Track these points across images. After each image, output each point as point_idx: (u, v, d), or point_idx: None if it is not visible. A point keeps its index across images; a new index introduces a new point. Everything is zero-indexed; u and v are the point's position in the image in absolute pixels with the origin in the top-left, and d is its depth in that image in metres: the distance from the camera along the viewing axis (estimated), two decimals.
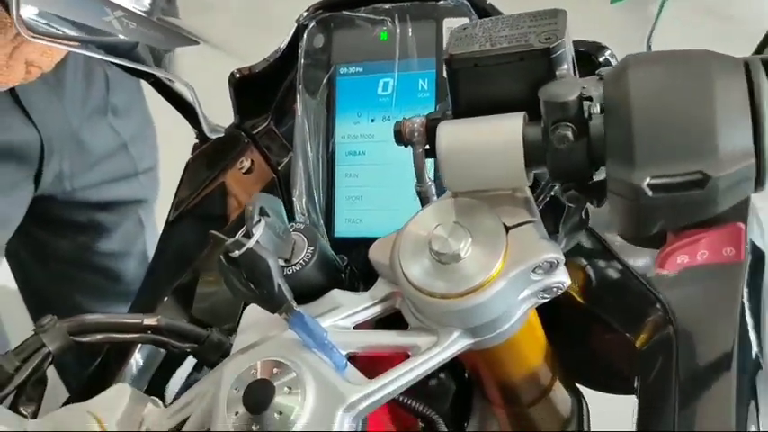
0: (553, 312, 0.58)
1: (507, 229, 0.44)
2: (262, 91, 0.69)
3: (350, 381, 0.43)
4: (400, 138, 0.48)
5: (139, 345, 0.61)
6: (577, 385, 0.64)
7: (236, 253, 0.43)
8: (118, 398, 0.48)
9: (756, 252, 0.57)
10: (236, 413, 0.42)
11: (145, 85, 0.99)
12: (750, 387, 0.51)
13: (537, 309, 0.53)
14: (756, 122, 0.37)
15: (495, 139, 0.42)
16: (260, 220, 0.44)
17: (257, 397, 0.42)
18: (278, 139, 0.68)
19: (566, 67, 0.43)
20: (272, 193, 0.67)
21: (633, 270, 0.54)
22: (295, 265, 0.47)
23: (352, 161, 0.61)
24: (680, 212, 0.38)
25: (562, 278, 0.45)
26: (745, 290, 0.54)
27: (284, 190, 0.65)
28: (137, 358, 0.62)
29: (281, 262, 0.47)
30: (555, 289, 0.45)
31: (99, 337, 0.53)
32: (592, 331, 0.60)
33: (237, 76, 0.70)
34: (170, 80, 0.69)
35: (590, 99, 0.41)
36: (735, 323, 0.51)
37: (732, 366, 0.49)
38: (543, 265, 0.44)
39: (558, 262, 0.44)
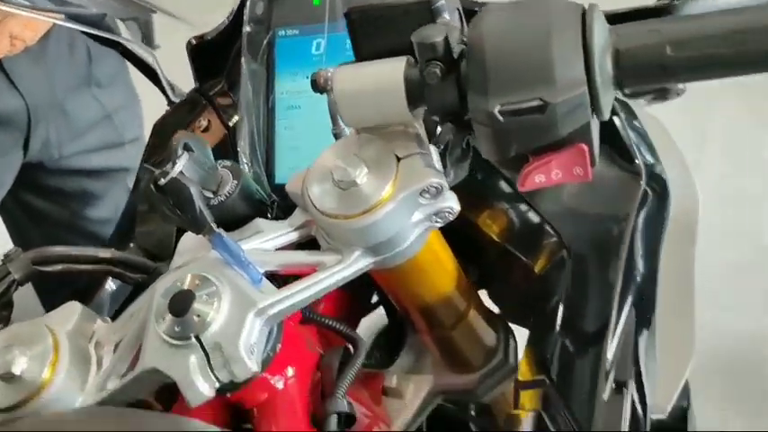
0: (474, 252, 0.65)
1: (398, 159, 0.51)
2: (215, 56, 0.76)
3: (263, 292, 0.50)
4: (316, 86, 0.55)
5: (109, 278, 0.68)
6: (509, 324, 0.70)
7: (163, 181, 0.50)
8: (70, 313, 0.55)
9: (656, 180, 0.63)
10: (164, 318, 0.49)
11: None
12: (634, 307, 0.57)
13: (457, 247, 0.60)
14: (587, 57, 0.43)
15: (381, 79, 0.49)
16: (183, 153, 0.50)
17: (179, 303, 0.49)
18: (230, 99, 0.75)
19: (446, 17, 0.49)
20: (224, 147, 0.74)
21: (534, 205, 0.61)
22: (221, 195, 0.54)
23: (290, 115, 0.68)
24: (528, 135, 0.45)
25: (451, 203, 0.52)
26: (642, 217, 0.60)
27: (234, 144, 0.71)
28: (109, 289, 0.69)
29: (209, 194, 0.54)
30: (446, 214, 0.52)
31: (59, 267, 0.61)
32: (505, 266, 0.66)
33: (194, 43, 0.76)
34: (132, 47, 0.76)
35: (464, 43, 0.48)
36: (623, 247, 0.58)
37: (616, 287, 0.56)
38: (429, 190, 0.50)
39: (441, 187, 0.50)
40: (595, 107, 0.44)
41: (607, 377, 0.52)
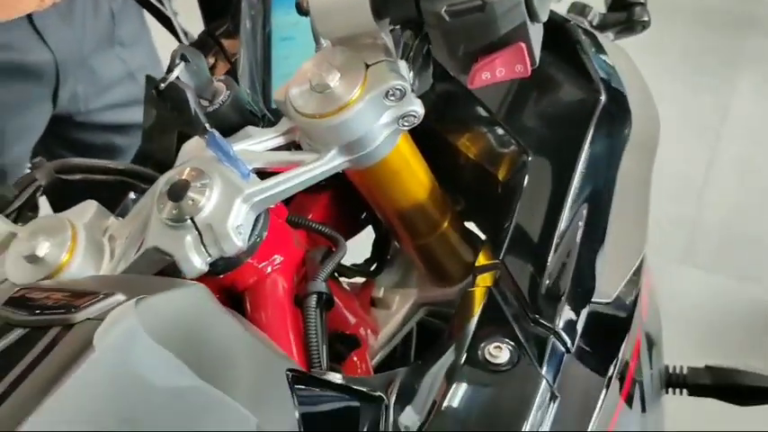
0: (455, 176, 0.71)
1: (367, 66, 0.58)
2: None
3: (250, 183, 0.58)
4: (300, 9, 0.62)
5: (130, 193, 0.75)
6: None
7: (162, 86, 0.57)
8: (86, 209, 0.63)
9: (617, 99, 0.68)
10: (164, 204, 0.57)
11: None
12: (588, 210, 0.63)
13: (440, 173, 0.66)
14: None
15: None
16: (180, 63, 0.58)
17: (176, 190, 0.56)
18: (234, 36, 0.82)
19: None
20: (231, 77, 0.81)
21: (500, 120, 0.67)
22: (215, 104, 0.62)
23: (285, 45, 0.75)
24: (472, 33, 0.51)
25: (415, 107, 0.59)
26: (601, 130, 0.66)
27: (236, 74, 0.79)
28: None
29: (205, 103, 0.62)
30: (411, 117, 0.59)
31: (78, 176, 0.69)
32: (478, 182, 0.72)
33: None
34: None
35: None
36: (580, 153, 0.64)
37: (565, 200, 0.61)
38: (394, 92, 0.57)
39: (405, 90, 0.57)
40: (530, 9, 0.51)
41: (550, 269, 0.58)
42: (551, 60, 0.69)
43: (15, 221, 0.66)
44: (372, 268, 0.79)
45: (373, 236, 0.82)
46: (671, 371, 0.81)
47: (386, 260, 0.80)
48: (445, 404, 0.50)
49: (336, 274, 0.75)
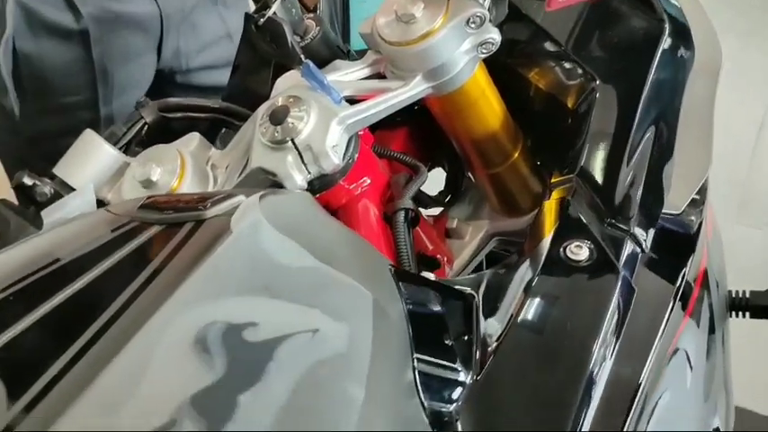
0: (517, 100, 0.76)
1: None
2: None
3: (343, 107, 0.63)
4: None
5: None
6: None
7: (261, 21, 0.63)
8: (190, 140, 0.69)
9: (680, 30, 0.72)
10: (266, 128, 0.63)
11: None
12: (655, 130, 0.67)
13: (503, 95, 0.71)
14: None
15: None
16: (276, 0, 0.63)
17: (277, 115, 0.62)
18: None
19: None
20: None
21: (564, 47, 0.71)
22: (306, 39, 0.67)
23: None
24: None
25: (493, 35, 0.63)
26: (658, 56, 0.69)
27: None
28: None
29: (297, 38, 0.67)
30: (489, 44, 0.64)
31: (179, 114, 0.75)
32: (547, 112, 0.76)
33: None
34: None
35: None
36: (647, 78, 0.68)
37: (634, 120, 0.65)
38: (474, 20, 0.62)
39: (484, 17, 0.62)
40: None
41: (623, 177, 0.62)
42: None
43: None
44: (447, 200, 0.84)
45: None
46: (734, 295, 0.84)
47: (459, 193, 0.85)
48: (530, 299, 0.55)
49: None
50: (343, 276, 0.46)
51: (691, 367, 0.60)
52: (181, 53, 1.22)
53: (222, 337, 0.37)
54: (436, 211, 0.87)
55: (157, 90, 1.23)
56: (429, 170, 0.86)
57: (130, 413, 0.32)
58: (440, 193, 0.85)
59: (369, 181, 0.68)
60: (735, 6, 2.66)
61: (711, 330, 0.68)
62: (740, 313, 0.85)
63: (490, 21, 0.63)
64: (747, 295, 0.85)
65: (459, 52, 0.63)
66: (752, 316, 0.84)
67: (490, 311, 0.56)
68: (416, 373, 0.48)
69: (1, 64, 1.11)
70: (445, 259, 0.80)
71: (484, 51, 0.64)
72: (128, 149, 0.73)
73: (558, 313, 0.54)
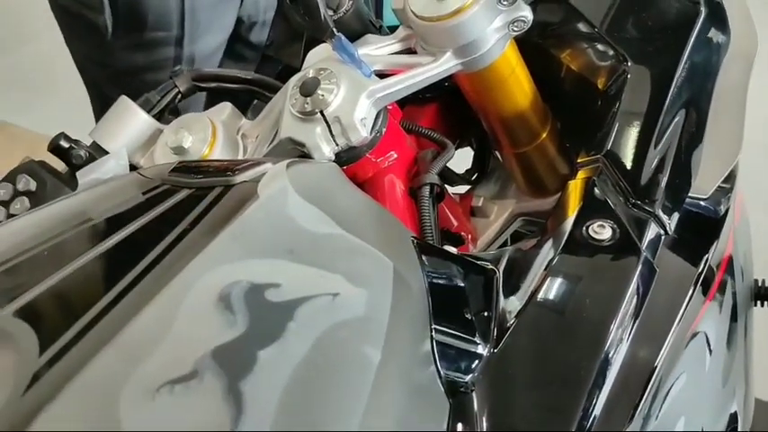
0: (549, 81, 0.76)
1: None
2: None
3: (372, 81, 0.64)
4: None
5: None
6: None
7: None
8: (222, 110, 0.70)
9: (711, 6, 0.71)
10: (296, 99, 0.64)
11: None
12: (686, 114, 0.67)
13: (534, 75, 0.71)
14: None
15: None
16: None
17: (308, 86, 0.63)
18: None
19: None
20: None
21: (597, 28, 0.71)
22: (339, 13, 0.68)
23: None
24: None
25: (525, 13, 0.63)
26: (701, 40, 0.69)
27: None
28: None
29: (330, 12, 0.68)
30: (521, 22, 0.64)
31: (213, 84, 0.76)
32: (577, 92, 0.76)
33: None
34: None
35: None
36: (680, 61, 0.67)
37: (665, 102, 0.65)
38: None
39: None
40: None
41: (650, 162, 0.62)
42: None
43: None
44: (473, 178, 0.85)
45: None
46: (759, 284, 0.84)
47: (485, 171, 0.86)
48: (551, 277, 0.55)
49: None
50: (365, 245, 0.47)
51: (710, 352, 0.60)
52: (260, 7, 1.27)
53: (246, 296, 0.38)
54: (463, 189, 0.87)
55: (231, 38, 1.27)
56: (457, 148, 0.86)
57: (154, 362, 0.33)
58: (467, 171, 0.85)
59: (396, 155, 0.68)
60: None
61: (734, 317, 0.68)
62: (765, 303, 0.84)
63: None
64: None
65: (491, 29, 0.64)
66: None
67: (511, 288, 0.56)
68: (434, 342, 0.48)
69: None
70: (470, 237, 0.80)
71: (515, 29, 0.64)
72: (161, 117, 0.74)
73: (577, 292, 0.55)
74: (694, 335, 0.58)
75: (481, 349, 0.51)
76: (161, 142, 0.68)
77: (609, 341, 0.51)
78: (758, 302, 0.85)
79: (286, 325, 0.37)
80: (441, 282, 0.53)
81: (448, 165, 0.79)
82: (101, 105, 1.30)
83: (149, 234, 0.46)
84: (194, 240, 0.45)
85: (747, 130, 0.69)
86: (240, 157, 0.69)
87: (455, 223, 0.78)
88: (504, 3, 0.62)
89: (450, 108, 0.81)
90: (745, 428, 0.71)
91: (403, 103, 0.80)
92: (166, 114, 0.74)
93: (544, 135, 0.76)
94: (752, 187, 0.80)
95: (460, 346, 0.50)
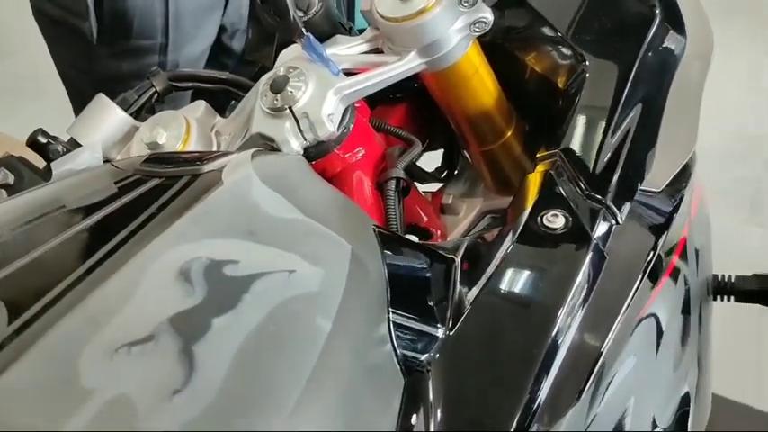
0: (514, 82, 0.79)
1: None
2: None
3: (340, 79, 0.67)
4: None
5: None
6: None
7: None
8: (197, 107, 0.73)
9: (667, 9, 0.74)
10: (266, 96, 0.66)
11: None
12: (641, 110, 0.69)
13: (499, 76, 0.74)
14: None
15: None
16: None
17: (278, 83, 0.65)
18: None
19: None
20: None
21: (559, 30, 0.74)
22: (309, 14, 0.71)
23: None
24: None
25: (486, 14, 0.66)
26: (657, 41, 0.72)
27: None
28: None
29: (300, 13, 0.71)
30: (482, 23, 0.67)
31: (189, 84, 0.79)
32: (541, 92, 0.79)
33: None
34: None
35: None
36: (636, 60, 0.70)
37: (620, 100, 0.68)
38: None
39: None
40: None
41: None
42: None
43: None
44: (443, 176, 0.87)
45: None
46: (719, 279, 0.87)
47: (454, 169, 0.88)
48: (505, 265, 0.58)
49: (411, 178, 0.83)
50: (325, 229, 0.49)
51: (659, 336, 0.63)
52: (242, 17, 1.30)
53: (204, 270, 0.40)
54: (435, 187, 0.90)
55: (214, 46, 1.31)
56: (427, 148, 0.89)
57: (114, 326, 0.36)
58: (436, 169, 0.88)
59: (364, 151, 0.71)
60: None
61: (686, 307, 0.71)
62: (725, 297, 0.87)
63: (483, 0, 0.66)
64: (732, 279, 0.87)
65: (453, 30, 0.66)
66: (736, 300, 0.87)
67: (470, 276, 0.59)
68: (391, 325, 0.51)
69: None
70: (439, 232, 0.83)
71: (477, 30, 0.67)
72: (138, 116, 0.77)
73: (530, 278, 0.57)
74: (643, 319, 0.60)
75: (438, 332, 0.54)
76: (137, 138, 0.71)
77: (557, 325, 0.53)
78: (718, 297, 0.88)
79: (241, 297, 0.39)
80: (400, 268, 0.55)
81: (419, 164, 0.81)
82: None
83: (118, 219, 0.49)
84: (159, 223, 0.47)
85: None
86: None
87: (425, 219, 0.81)
88: (465, 4, 0.65)
89: (419, 108, 0.84)
90: (700, 419, 0.74)
91: (374, 102, 0.83)
92: (143, 113, 0.77)
93: (509, 133, 0.79)
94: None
95: (418, 327, 0.53)
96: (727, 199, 2.18)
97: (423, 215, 0.80)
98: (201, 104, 0.73)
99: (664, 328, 0.63)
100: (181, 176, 0.53)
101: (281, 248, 0.45)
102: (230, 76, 0.79)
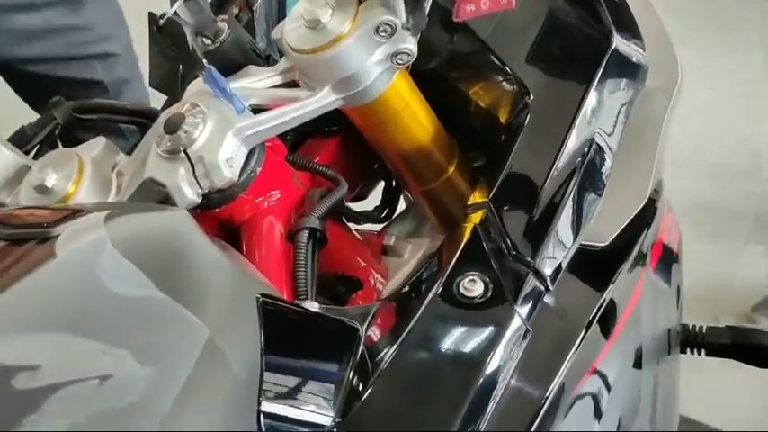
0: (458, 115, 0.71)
1: (360, 1, 0.58)
2: None
3: (242, 117, 0.59)
4: None
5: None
6: None
7: (161, 22, 0.59)
8: (95, 145, 0.66)
9: (626, 36, 0.66)
10: (161, 137, 0.59)
11: None
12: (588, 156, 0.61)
13: (442, 108, 0.66)
14: None
15: None
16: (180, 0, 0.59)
17: (172, 123, 0.58)
18: None
19: None
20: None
21: (502, 58, 0.66)
22: (216, 42, 0.63)
23: None
24: None
25: (407, 45, 0.58)
26: (600, 72, 0.64)
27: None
28: None
29: (208, 41, 0.63)
30: (404, 55, 0.59)
31: (95, 116, 0.72)
32: (485, 129, 0.71)
33: None
34: None
35: None
36: (581, 98, 0.62)
37: (563, 142, 0.60)
38: (384, 28, 0.57)
39: (395, 25, 0.57)
40: None
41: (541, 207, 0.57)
42: (561, 3, 0.67)
43: (35, 158, 0.70)
44: (382, 216, 0.80)
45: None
46: (689, 330, 0.79)
47: (395, 208, 0.80)
48: (415, 336, 0.51)
49: (345, 220, 0.76)
50: (179, 309, 0.42)
51: (599, 412, 0.55)
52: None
53: None
54: (379, 226, 0.82)
55: None
56: (365, 187, 0.81)
57: None
58: (375, 208, 0.80)
59: (279, 195, 0.64)
60: None
61: (637, 365, 0.63)
62: (695, 351, 0.79)
63: (407, 29, 0.58)
64: (704, 330, 0.79)
65: (371, 62, 0.59)
66: (707, 354, 0.79)
67: (378, 340, 0.52)
68: (261, 416, 0.43)
69: None
70: (377, 277, 0.75)
71: (399, 62, 0.59)
72: (39, 152, 0.70)
73: (439, 353, 0.50)
74: (578, 398, 0.53)
75: (325, 421, 0.46)
76: (26, 181, 0.63)
77: (465, 407, 0.46)
78: (688, 350, 0.80)
79: (28, 417, 0.32)
80: (283, 347, 0.48)
81: (353, 203, 0.74)
82: None
83: None
84: None
85: None
86: (112, 195, 0.64)
87: (361, 264, 0.73)
88: (383, 34, 0.57)
89: (356, 142, 0.76)
90: None
91: (304, 136, 0.75)
92: (45, 148, 0.70)
93: (451, 170, 0.71)
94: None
95: (298, 417, 0.45)
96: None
97: (360, 260, 0.73)
98: (101, 141, 0.66)
99: (603, 409, 0.55)
100: (27, 240, 0.45)
101: (110, 343, 0.38)
102: (138, 105, 0.72)
